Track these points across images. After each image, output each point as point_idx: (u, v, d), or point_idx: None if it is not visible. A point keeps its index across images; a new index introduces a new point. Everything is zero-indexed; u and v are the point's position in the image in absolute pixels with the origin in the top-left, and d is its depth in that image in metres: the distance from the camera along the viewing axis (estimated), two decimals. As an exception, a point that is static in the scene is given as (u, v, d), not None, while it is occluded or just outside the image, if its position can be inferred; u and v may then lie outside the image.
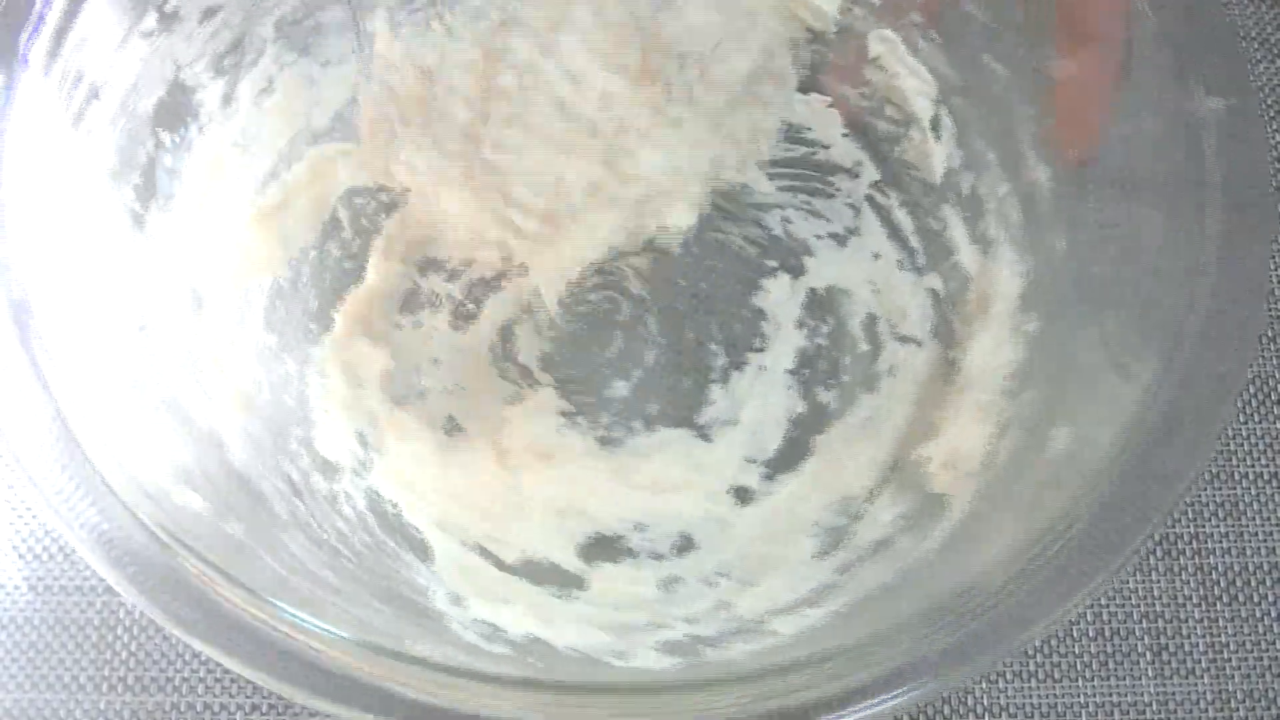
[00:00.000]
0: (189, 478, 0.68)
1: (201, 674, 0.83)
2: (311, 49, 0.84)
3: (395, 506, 0.81)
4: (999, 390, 0.76)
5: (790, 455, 0.86)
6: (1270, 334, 0.94)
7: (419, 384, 0.87)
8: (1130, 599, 0.88)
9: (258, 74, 0.82)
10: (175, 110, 0.77)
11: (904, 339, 0.86)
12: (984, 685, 0.84)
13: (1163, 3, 0.69)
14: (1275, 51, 1.01)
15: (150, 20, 0.74)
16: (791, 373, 0.88)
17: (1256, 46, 1.01)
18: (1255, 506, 0.90)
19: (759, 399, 0.87)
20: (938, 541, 0.72)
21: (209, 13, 0.77)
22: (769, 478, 0.85)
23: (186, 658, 0.83)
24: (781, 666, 0.61)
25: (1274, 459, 0.91)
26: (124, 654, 0.84)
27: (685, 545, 0.83)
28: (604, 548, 0.83)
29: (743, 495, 0.84)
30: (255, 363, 0.81)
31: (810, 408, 0.87)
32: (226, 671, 0.82)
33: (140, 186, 0.75)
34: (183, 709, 0.83)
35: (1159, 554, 0.89)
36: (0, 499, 0.88)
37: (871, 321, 0.88)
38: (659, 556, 0.82)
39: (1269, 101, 1.00)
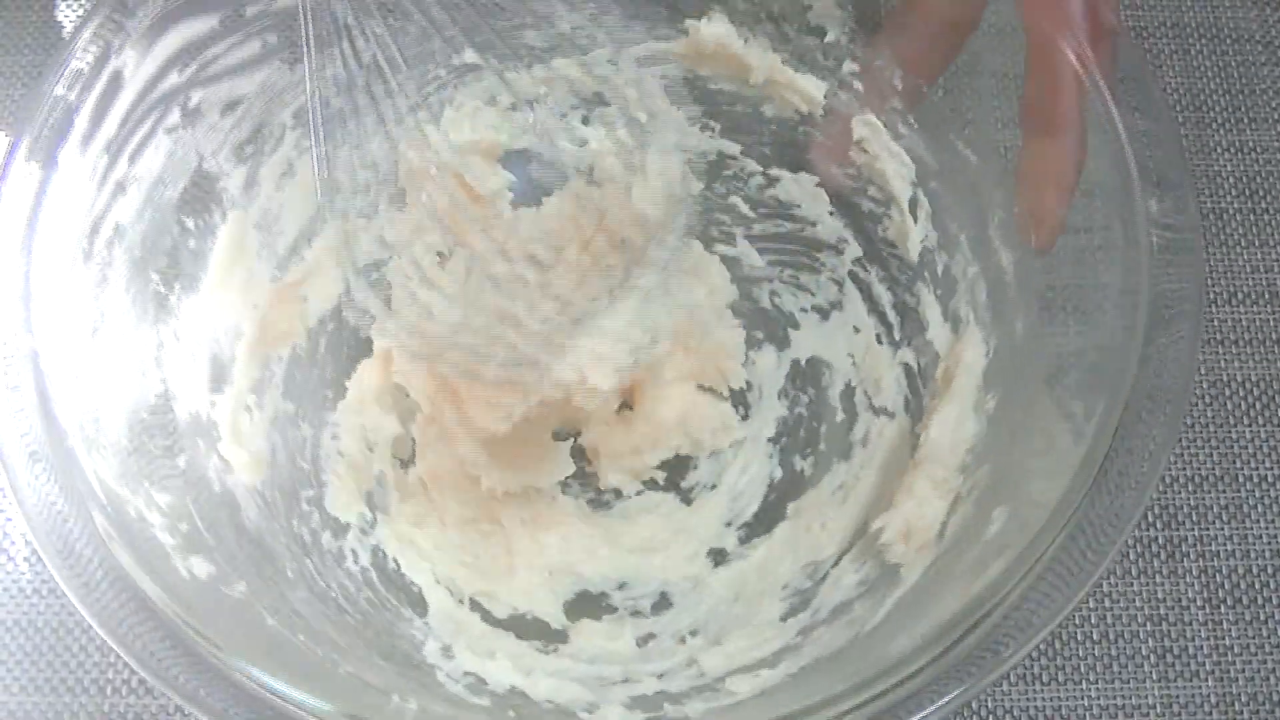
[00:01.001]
0: (198, 543, 0.73)
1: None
2: (330, 133, 0.87)
3: (397, 563, 0.87)
4: (956, 466, 0.80)
5: (765, 519, 0.90)
6: (1276, 337, 0.96)
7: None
8: (1134, 601, 0.89)
9: (278, 159, 0.87)
10: (199, 197, 0.83)
11: (878, 410, 0.90)
12: (988, 689, 0.86)
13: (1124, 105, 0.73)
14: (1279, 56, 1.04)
15: (174, 116, 0.79)
16: (772, 440, 0.92)
17: (1260, 49, 1.04)
18: (1260, 509, 0.92)
19: (740, 465, 0.92)
20: (889, 608, 0.76)
21: (230, 105, 0.83)
22: (744, 541, 0.89)
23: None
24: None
25: (1278, 462, 0.93)
26: (128, 657, 0.89)
27: (663, 603, 0.87)
28: (588, 604, 0.87)
29: (719, 557, 0.89)
30: (272, 429, 0.86)
31: (787, 474, 0.91)
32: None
33: (165, 270, 0.81)
34: (186, 712, 0.85)
35: (1163, 556, 0.90)
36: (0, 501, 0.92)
37: (849, 392, 0.92)
38: (638, 614, 0.87)
39: (1273, 105, 1.03)
